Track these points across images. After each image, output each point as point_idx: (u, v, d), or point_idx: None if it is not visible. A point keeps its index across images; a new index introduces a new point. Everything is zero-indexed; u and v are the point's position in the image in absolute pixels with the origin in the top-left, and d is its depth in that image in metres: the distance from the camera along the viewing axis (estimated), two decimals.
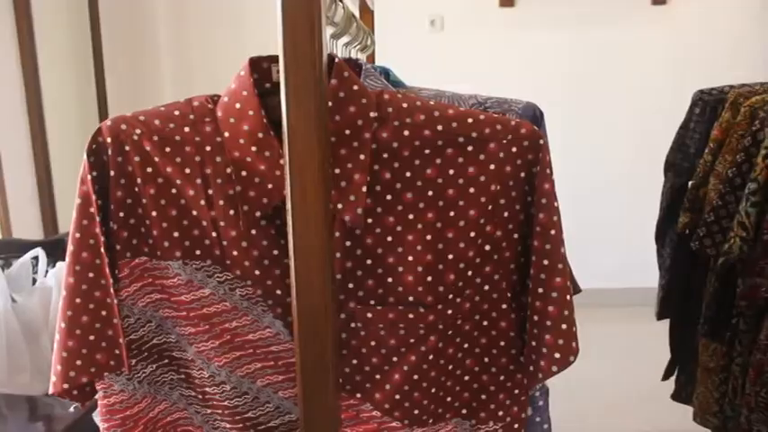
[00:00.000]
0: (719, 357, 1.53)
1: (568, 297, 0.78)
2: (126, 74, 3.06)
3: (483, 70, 3.25)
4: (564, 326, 0.79)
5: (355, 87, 0.76)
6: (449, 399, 0.86)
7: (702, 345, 1.59)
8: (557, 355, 0.79)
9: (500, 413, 0.88)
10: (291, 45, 0.67)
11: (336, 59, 0.77)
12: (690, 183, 1.64)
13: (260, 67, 0.82)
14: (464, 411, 0.88)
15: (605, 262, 3.41)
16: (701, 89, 1.72)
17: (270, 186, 0.77)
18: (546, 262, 0.78)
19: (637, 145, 3.22)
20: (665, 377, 1.80)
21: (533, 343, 0.81)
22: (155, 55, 3.20)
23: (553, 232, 0.77)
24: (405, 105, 0.77)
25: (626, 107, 3.29)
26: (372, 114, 0.76)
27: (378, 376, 0.84)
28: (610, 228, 3.39)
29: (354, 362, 0.83)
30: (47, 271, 1.61)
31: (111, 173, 0.79)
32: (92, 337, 0.81)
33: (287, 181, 0.69)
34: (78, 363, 0.81)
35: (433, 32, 3.27)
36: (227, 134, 0.78)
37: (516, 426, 0.89)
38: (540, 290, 0.79)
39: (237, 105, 0.77)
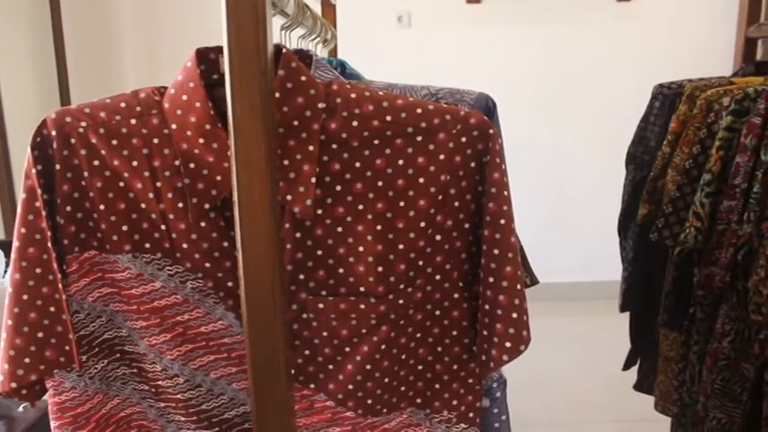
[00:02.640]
0: (678, 347, 1.55)
1: (519, 286, 0.79)
2: (89, 67, 3.01)
3: (450, 67, 3.26)
4: (515, 315, 0.79)
5: (303, 78, 0.76)
6: (402, 388, 0.87)
7: (662, 334, 1.61)
8: (507, 345, 0.80)
9: (454, 402, 0.88)
10: (235, 35, 0.67)
11: (284, 50, 0.77)
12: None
13: (207, 59, 0.82)
14: (418, 401, 0.88)
15: (573, 255, 3.45)
16: (661, 83, 1.74)
17: (218, 178, 0.77)
18: (496, 251, 0.78)
19: (603, 140, 3.25)
20: (626, 367, 1.82)
21: (485, 332, 0.81)
22: (118, 47, 3.16)
23: (503, 222, 0.78)
24: (353, 96, 0.77)
25: (593, 103, 3.32)
26: (321, 105, 0.76)
27: (330, 367, 0.84)
28: (577, 221, 3.42)
29: (307, 353, 0.83)
30: (5, 271, 1.59)
31: (57, 166, 0.78)
32: (40, 334, 0.80)
33: (233, 173, 0.68)
34: (27, 360, 0.80)
35: (401, 28, 3.27)
36: (174, 126, 0.77)
37: (471, 414, 0.89)
38: (491, 279, 0.79)
39: (184, 97, 0.77)
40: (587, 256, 3.35)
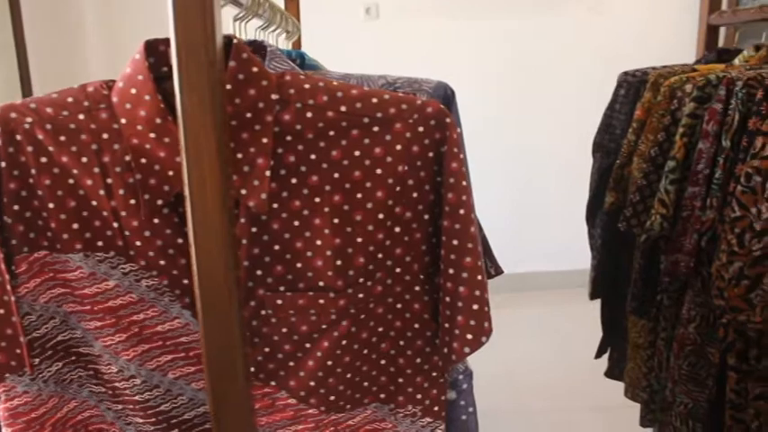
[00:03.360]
0: (647, 333, 1.56)
1: (479, 277, 0.78)
2: (51, 62, 2.94)
3: (420, 59, 3.23)
4: (475, 306, 0.78)
5: (255, 69, 0.74)
6: (365, 383, 0.85)
7: (631, 322, 1.62)
8: (469, 336, 0.79)
9: (418, 396, 0.87)
10: (182, 25, 0.65)
11: (235, 40, 0.75)
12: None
13: (157, 50, 0.80)
14: (382, 396, 0.87)
15: (544, 245, 3.47)
16: (626, 71, 1.75)
17: (171, 173, 0.75)
18: (455, 242, 0.77)
19: (573, 129, 3.25)
20: (598, 355, 1.83)
21: (446, 325, 0.80)
22: (81, 37, 3.09)
23: (462, 212, 0.77)
24: (307, 86, 0.75)
25: (564, 93, 3.33)
26: (274, 97, 0.75)
27: (291, 363, 0.82)
28: (548, 210, 3.43)
29: (267, 350, 0.82)
30: None
31: (3, 164, 0.75)
32: None
33: (184, 168, 0.66)
34: None
35: (369, 20, 3.25)
36: (123, 121, 0.75)
37: (436, 408, 0.88)
38: (451, 270, 0.78)
39: (133, 90, 0.75)
40: (558, 246, 3.36)
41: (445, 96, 0.85)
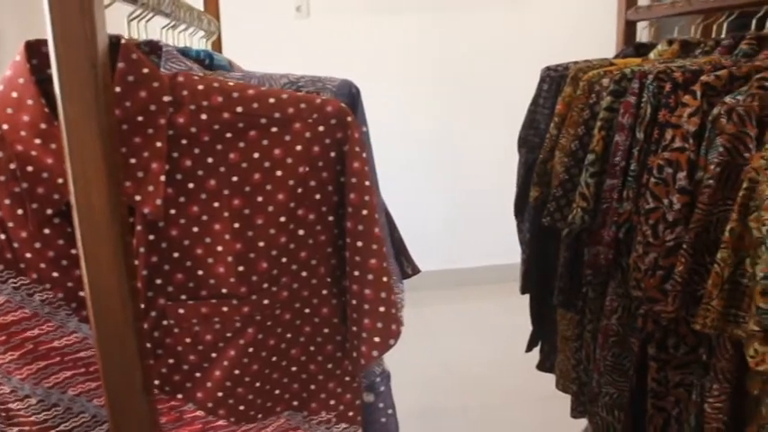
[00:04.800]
0: (574, 326, 1.58)
1: (385, 279, 0.76)
2: None
3: (352, 56, 3.23)
4: (382, 309, 0.77)
5: (146, 70, 0.71)
6: (277, 391, 0.83)
7: (560, 314, 1.64)
8: (376, 339, 0.77)
9: (332, 402, 0.85)
10: (59, 24, 0.62)
11: (123, 41, 0.71)
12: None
13: (39, 52, 0.76)
14: (295, 403, 0.85)
15: (480, 240, 3.49)
16: (548, 65, 1.76)
17: (60, 181, 0.71)
18: (360, 243, 0.76)
19: (504, 125, 3.28)
20: (529, 348, 1.84)
21: (354, 328, 0.79)
22: None
23: (365, 212, 0.75)
24: (201, 87, 0.73)
25: (495, 88, 3.35)
26: (166, 99, 0.72)
27: (198, 374, 0.79)
28: (484, 206, 3.45)
29: (171, 361, 0.79)
30: None
31: None
32: None
33: (69, 176, 0.63)
34: None
35: (299, 18, 3.21)
36: (6, 126, 0.71)
37: (351, 413, 0.87)
38: (356, 273, 0.76)
39: (14, 94, 0.71)
40: (495, 240, 3.39)
41: (350, 95, 0.83)
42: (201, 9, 1.66)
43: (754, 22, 1.39)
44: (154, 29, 1.06)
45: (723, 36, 1.48)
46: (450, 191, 3.47)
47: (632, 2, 1.77)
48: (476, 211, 3.47)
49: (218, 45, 1.70)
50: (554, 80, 1.72)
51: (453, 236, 3.51)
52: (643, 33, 1.96)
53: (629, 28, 1.79)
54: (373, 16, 3.26)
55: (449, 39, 3.30)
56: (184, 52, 1.03)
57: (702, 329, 1.00)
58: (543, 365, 1.83)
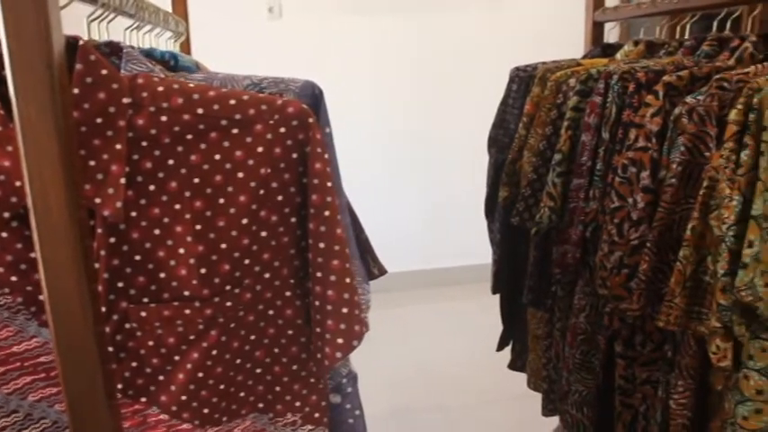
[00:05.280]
0: (544, 325, 1.59)
1: (348, 280, 0.76)
2: None
3: (325, 57, 3.22)
4: (345, 310, 0.77)
5: (104, 72, 0.70)
6: (242, 394, 0.83)
7: (530, 313, 1.65)
8: (340, 341, 0.77)
9: (297, 404, 0.85)
10: (13, 24, 0.61)
11: (81, 42, 0.71)
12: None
13: None
14: (260, 405, 0.85)
15: (463, 239, 3.50)
16: (517, 66, 1.77)
17: (17, 184, 0.71)
18: (322, 245, 0.76)
19: (481, 126, 3.30)
20: (499, 348, 1.85)
21: (317, 329, 0.79)
22: None
23: (327, 213, 0.75)
24: (161, 89, 0.72)
25: (470, 88, 3.36)
26: (126, 100, 0.71)
27: (161, 378, 0.79)
28: (459, 206, 3.46)
29: (134, 365, 0.78)
30: None
31: None
32: None
33: (25, 179, 0.63)
34: None
35: (271, 20, 3.20)
36: None
37: (317, 415, 0.86)
38: (319, 274, 0.76)
39: None
40: (471, 240, 3.40)
41: (312, 95, 0.83)
42: (169, 10, 1.65)
43: (715, 24, 1.41)
44: (118, 30, 1.05)
45: (686, 37, 1.50)
46: (427, 191, 3.48)
47: (600, 3, 1.79)
48: (452, 211, 3.48)
49: (186, 46, 1.69)
50: (523, 80, 1.73)
51: (430, 235, 3.51)
52: (612, 33, 1.99)
53: (596, 29, 1.81)
54: (346, 17, 3.26)
55: (422, 39, 3.31)
56: (149, 54, 1.03)
57: (666, 326, 1.01)
58: (515, 364, 1.84)
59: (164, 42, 1.47)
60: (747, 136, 0.88)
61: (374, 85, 3.31)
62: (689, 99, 1.03)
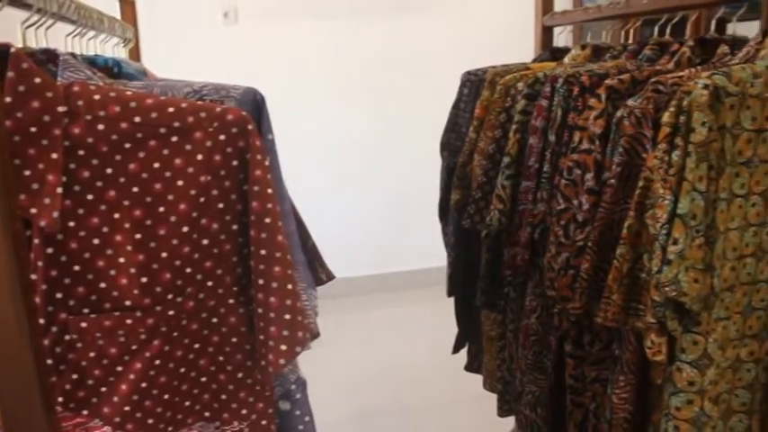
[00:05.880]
0: (497, 326, 1.61)
1: (290, 286, 0.77)
2: None
3: (282, 62, 3.21)
4: (287, 316, 0.77)
5: (38, 80, 0.70)
6: (187, 403, 0.82)
7: (484, 315, 1.66)
8: (283, 347, 0.77)
9: (244, 411, 0.85)
10: None
11: (12, 49, 0.70)
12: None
13: None
14: (206, 414, 0.84)
15: (419, 243, 3.51)
16: (469, 70, 1.79)
17: None
18: (263, 252, 0.76)
19: (438, 129, 3.32)
20: (455, 350, 1.87)
21: (261, 336, 0.79)
22: None
23: (268, 220, 0.75)
24: (97, 97, 0.72)
25: (420, 93, 3.38)
26: (61, 109, 0.70)
27: (103, 389, 0.78)
28: (419, 209, 3.48)
29: (75, 377, 0.77)
30: None
31: None
32: None
33: None
34: None
35: (227, 25, 3.18)
36: None
37: (264, 422, 0.86)
38: (261, 281, 0.76)
39: None
40: (428, 244, 3.42)
41: (254, 102, 0.83)
42: (118, 16, 1.63)
43: (656, 29, 1.44)
44: (58, 36, 1.03)
45: (630, 42, 1.54)
46: (382, 195, 3.49)
47: (548, 8, 1.82)
48: (408, 215, 3.50)
49: (135, 53, 1.67)
50: (474, 84, 1.75)
51: (389, 239, 3.52)
52: (562, 38, 2.02)
53: (545, 33, 1.84)
54: (303, 21, 3.25)
55: (376, 44, 3.32)
56: (92, 61, 1.02)
57: (604, 322, 1.03)
58: (471, 366, 1.86)
59: (110, 49, 1.45)
60: (678, 137, 0.91)
61: (330, 89, 3.31)
62: (630, 102, 1.05)
